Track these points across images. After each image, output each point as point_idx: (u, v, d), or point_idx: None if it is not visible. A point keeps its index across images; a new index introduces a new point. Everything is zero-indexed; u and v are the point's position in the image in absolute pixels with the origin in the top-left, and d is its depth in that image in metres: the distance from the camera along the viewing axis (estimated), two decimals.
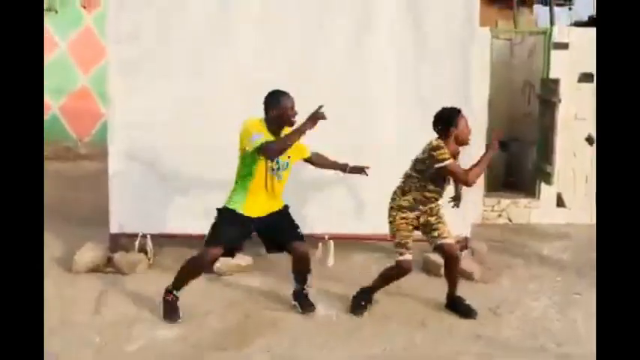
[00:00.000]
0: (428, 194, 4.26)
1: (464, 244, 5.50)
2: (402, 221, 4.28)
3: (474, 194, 6.25)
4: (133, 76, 5.21)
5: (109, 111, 5.40)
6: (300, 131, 3.90)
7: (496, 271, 5.32)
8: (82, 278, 4.97)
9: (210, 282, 4.89)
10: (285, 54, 5.25)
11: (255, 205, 4.16)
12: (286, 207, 4.38)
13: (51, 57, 9.51)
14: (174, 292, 4.22)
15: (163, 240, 5.49)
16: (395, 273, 4.32)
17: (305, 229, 5.25)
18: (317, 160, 4.51)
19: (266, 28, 5.24)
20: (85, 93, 9.50)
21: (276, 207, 4.28)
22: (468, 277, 5.13)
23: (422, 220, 4.35)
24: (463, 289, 4.88)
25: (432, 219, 4.34)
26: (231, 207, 4.16)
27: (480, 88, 6.19)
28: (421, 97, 5.24)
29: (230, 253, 4.33)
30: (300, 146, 4.24)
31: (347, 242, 5.51)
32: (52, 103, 9.57)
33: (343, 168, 4.57)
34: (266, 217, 4.21)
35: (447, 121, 4.18)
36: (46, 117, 9.57)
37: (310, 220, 5.17)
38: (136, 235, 5.35)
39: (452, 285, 4.51)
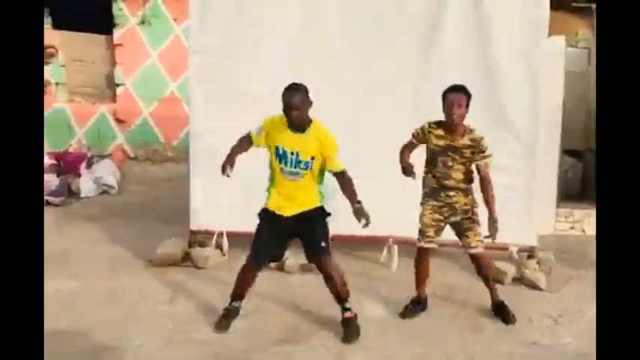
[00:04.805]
0: (431, 178, 4.38)
1: (530, 253, 5.50)
2: (428, 209, 4.40)
3: (545, 205, 6.20)
4: (213, 83, 5.57)
5: (190, 115, 5.78)
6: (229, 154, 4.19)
7: (562, 281, 5.29)
8: (161, 271, 5.36)
9: (277, 279, 5.16)
10: (360, 66, 5.49)
11: (279, 202, 4.12)
12: (318, 211, 4.18)
13: (143, 66, 10.17)
14: (234, 303, 4.31)
15: (238, 238, 5.80)
16: (416, 258, 4.50)
17: (368, 232, 5.44)
18: (341, 182, 4.08)
19: (347, 43, 5.46)
20: (174, 99, 10.08)
21: (300, 207, 4.13)
22: (533, 285, 5.15)
23: (451, 217, 4.39)
24: (527, 297, 4.93)
25: (465, 222, 4.37)
26: (265, 206, 4.21)
27: (553, 95, 6.15)
28: (485, 105, 5.30)
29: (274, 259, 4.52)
30: (331, 153, 4.00)
31: (412, 247, 5.61)
32: (144, 108, 10.23)
33: (353, 203, 4.00)
34: (299, 219, 4.12)
35: (441, 98, 4.22)
36: (137, 121, 10.24)
37: (374, 223, 5.32)
38: (213, 233, 5.71)
39: (490, 290, 4.59)
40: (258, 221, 4.26)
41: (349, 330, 4.15)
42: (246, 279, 4.27)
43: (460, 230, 4.41)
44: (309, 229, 4.14)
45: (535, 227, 5.56)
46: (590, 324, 4.42)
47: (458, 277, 5.34)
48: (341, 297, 4.18)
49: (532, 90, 5.30)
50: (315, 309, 4.59)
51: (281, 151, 4.01)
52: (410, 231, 5.32)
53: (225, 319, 4.27)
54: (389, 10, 5.41)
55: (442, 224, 4.42)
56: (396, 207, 5.39)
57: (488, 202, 4.29)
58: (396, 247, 5.51)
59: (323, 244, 4.12)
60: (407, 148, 4.46)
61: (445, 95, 4.18)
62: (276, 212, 4.14)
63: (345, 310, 4.19)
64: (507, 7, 5.30)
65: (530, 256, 5.50)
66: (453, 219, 4.41)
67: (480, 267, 4.49)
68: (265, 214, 4.21)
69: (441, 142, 4.27)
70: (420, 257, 4.47)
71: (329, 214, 4.23)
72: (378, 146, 5.43)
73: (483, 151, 4.25)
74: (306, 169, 4.03)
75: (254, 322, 4.35)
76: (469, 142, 4.24)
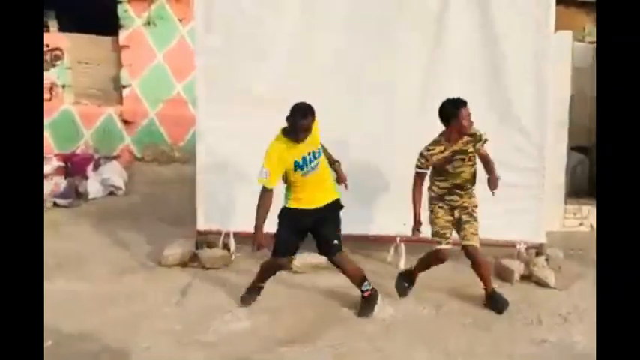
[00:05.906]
0: (439, 184, 4.53)
1: (539, 250, 5.47)
2: (440, 210, 4.53)
3: (553, 201, 6.16)
4: (217, 83, 5.56)
5: (196, 115, 5.78)
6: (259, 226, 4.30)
7: (570, 278, 5.25)
8: (169, 271, 5.36)
9: (286, 279, 5.14)
10: (362, 66, 5.44)
11: (303, 200, 4.37)
12: (336, 205, 4.48)
13: (149, 67, 10.19)
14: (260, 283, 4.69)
15: (245, 238, 5.79)
16: (433, 259, 4.59)
17: (376, 231, 5.43)
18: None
19: (349, 43, 5.41)
20: (180, 100, 10.09)
21: (325, 198, 4.41)
22: (542, 283, 5.12)
23: (457, 215, 4.55)
24: (536, 295, 4.91)
25: (464, 217, 4.51)
26: (286, 206, 4.44)
27: (560, 91, 6.11)
28: (492, 103, 5.28)
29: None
30: (315, 137, 4.33)
31: (419, 245, 5.59)
32: (150, 110, 10.25)
33: (332, 163, 4.62)
34: (318, 213, 4.37)
35: (448, 112, 4.33)
36: (144, 122, 10.26)
37: (382, 222, 5.32)
38: (220, 233, 5.70)
39: (483, 282, 4.62)
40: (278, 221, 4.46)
41: (367, 305, 4.48)
42: (270, 272, 4.65)
43: (459, 224, 4.54)
44: (323, 227, 4.40)
45: (543, 224, 5.52)
46: None
47: (467, 276, 5.27)
48: (359, 281, 4.51)
49: (539, 87, 5.26)
50: (323, 309, 4.58)
51: (300, 162, 4.25)
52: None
53: (252, 295, 4.65)
54: (391, 10, 5.37)
55: (452, 225, 4.57)
56: (403, 206, 5.36)
57: (491, 170, 4.52)
58: (403, 245, 5.48)
59: (335, 241, 4.41)
60: (419, 185, 4.52)
61: (459, 111, 4.30)
62: (300, 208, 4.37)
63: (363, 291, 4.50)
64: (513, 4, 5.26)
65: (538, 253, 5.46)
66: (457, 216, 4.55)
67: (474, 262, 4.56)
68: (286, 213, 4.43)
69: (445, 154, 4.42)
70: (438, 258, 4.54)
71: (342, 207, 4.50)
72: (382, 146, 5.42)
73: (481, 140, 4.44)
74: (320, 156, 4.32)
75: (261, 323, 4.35)
76: (468, 138, 4.43)
